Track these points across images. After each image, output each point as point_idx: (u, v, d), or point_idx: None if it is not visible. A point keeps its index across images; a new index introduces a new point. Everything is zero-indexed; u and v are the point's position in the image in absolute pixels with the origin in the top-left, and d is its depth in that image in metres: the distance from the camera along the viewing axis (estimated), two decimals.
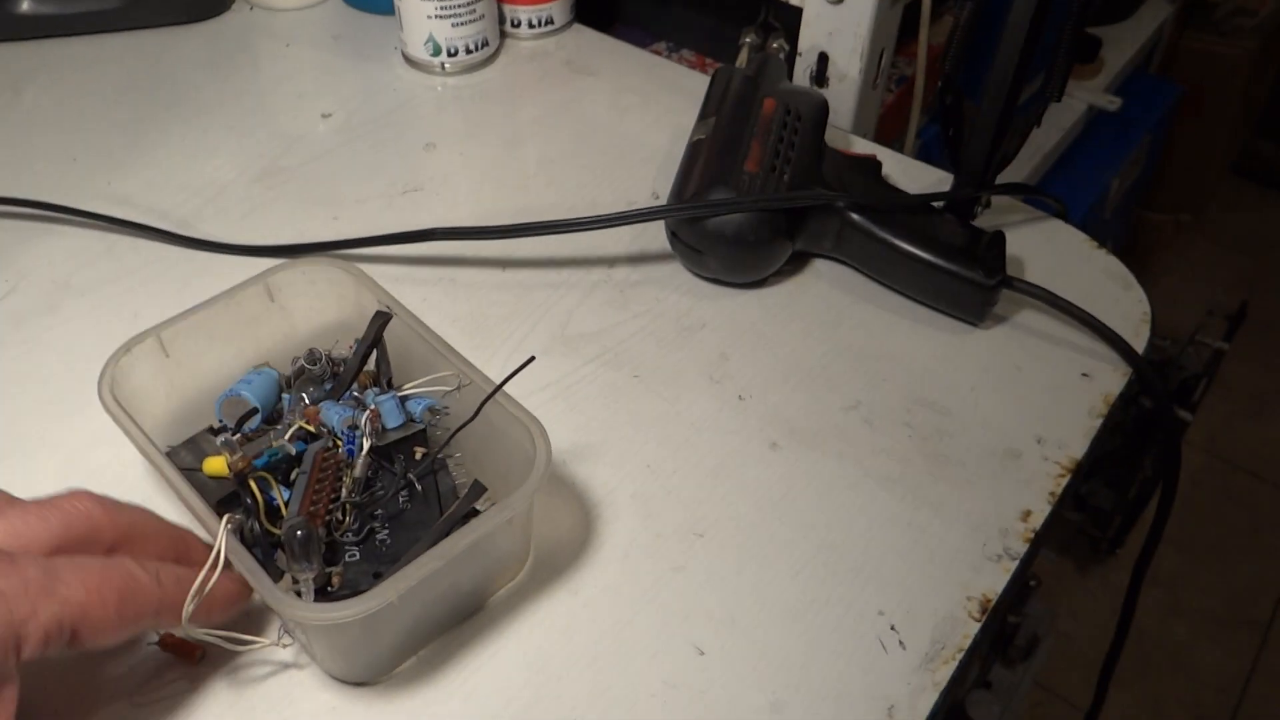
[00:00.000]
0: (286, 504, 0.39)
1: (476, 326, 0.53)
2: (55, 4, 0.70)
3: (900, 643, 0.41)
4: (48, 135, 0.64)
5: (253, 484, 0.39)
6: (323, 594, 0.38)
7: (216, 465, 0.39)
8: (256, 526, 0.38)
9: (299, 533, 0.37)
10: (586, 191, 0.61)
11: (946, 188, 0.59)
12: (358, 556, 0.40)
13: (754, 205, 0.51)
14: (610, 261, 0.57)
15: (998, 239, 0.53)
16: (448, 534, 0.40)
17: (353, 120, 0.66)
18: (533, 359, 0.41)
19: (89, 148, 0.63)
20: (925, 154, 0.83)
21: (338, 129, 0.65)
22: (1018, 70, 0.50)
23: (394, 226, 0.57)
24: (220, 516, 0.36)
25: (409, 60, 0.70)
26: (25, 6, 0.69)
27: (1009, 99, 0.51)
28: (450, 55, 0.68)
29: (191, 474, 0.39)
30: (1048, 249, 0.57)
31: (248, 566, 0.34)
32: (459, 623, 0.40)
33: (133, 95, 0.67)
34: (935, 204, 0.55)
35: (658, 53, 0.83)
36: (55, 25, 0.70)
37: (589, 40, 0.74)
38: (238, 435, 0.42)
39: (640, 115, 0.67)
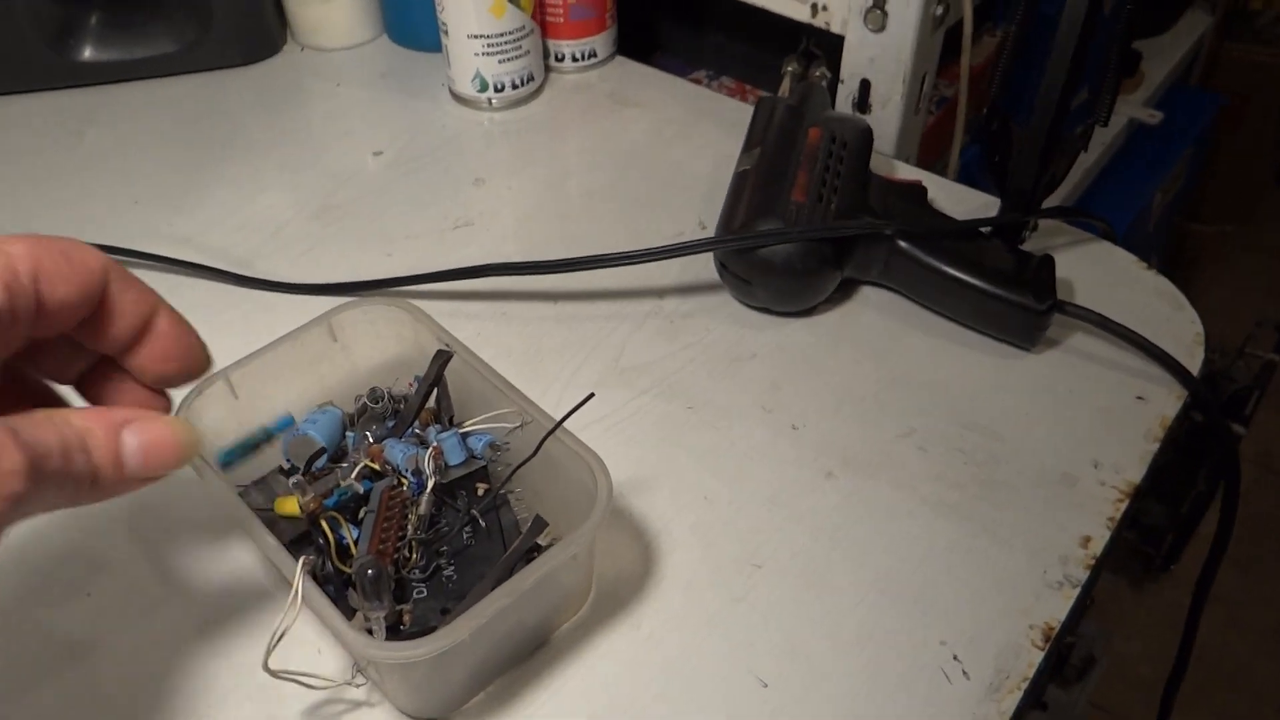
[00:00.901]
0: (356, 543, 0.40)
1: (530, 360, 0.54)
2: (116, 50, 0.72)
3: (964, 672, 0.41)
4: (110, 178, 0.66)
5: (324, 524, 0.40)
6: (394, 631, 0.38)
7: (289, 506, 0.40)
8: (329, 566, 0.39)
9: (370, 571, 0.38)
10: (633, 222, 0.62)
11: (991, 211, 0.59)
12: (425, 593, 0.41)
13: (802, 236, 0.52)
14: (660, 293, 0.57)
15: (1047, 263, 0.53)
16: (512, 569, 0.41)
17: (403, 157, 0.67)
18: (592, 396, 0.41)
19: (149, 190, 0.65)
20: (966, 175, 0.84)
21: (388, 165, 0.67)
22: (1064, 93, 0.50)
23: (446, 261, 0.58)
24: (294, 557, 0.37)
25: (456, 97, 0.72)
26: (88, 54, 0.71)
27: (1055, 122, 0.51)
28: (497, 91, 0.70)
29: (264, 514, 0.40)
30: (1096, 271, 0.57)
31: (322, 607, 0.35)
32: (525, 658, 0.41)
33: (191, 137, 0.69)
34: (983, 229, 0.55)
35: (698, 81, 0.84)
36: (116, 71, 0.72)
37: (632, 72, 0.75)
38: (306, 475, 0.43)
39: (684, 145, 0.68)
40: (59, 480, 0.29)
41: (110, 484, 0.31)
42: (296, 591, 0.35)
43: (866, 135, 0.58)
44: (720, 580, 0.44)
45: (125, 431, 0.32)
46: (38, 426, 0.29)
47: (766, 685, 0.40)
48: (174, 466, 0.33)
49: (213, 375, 0.44)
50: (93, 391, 0.35)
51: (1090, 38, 0.49)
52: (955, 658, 0.41)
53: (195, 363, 0.35)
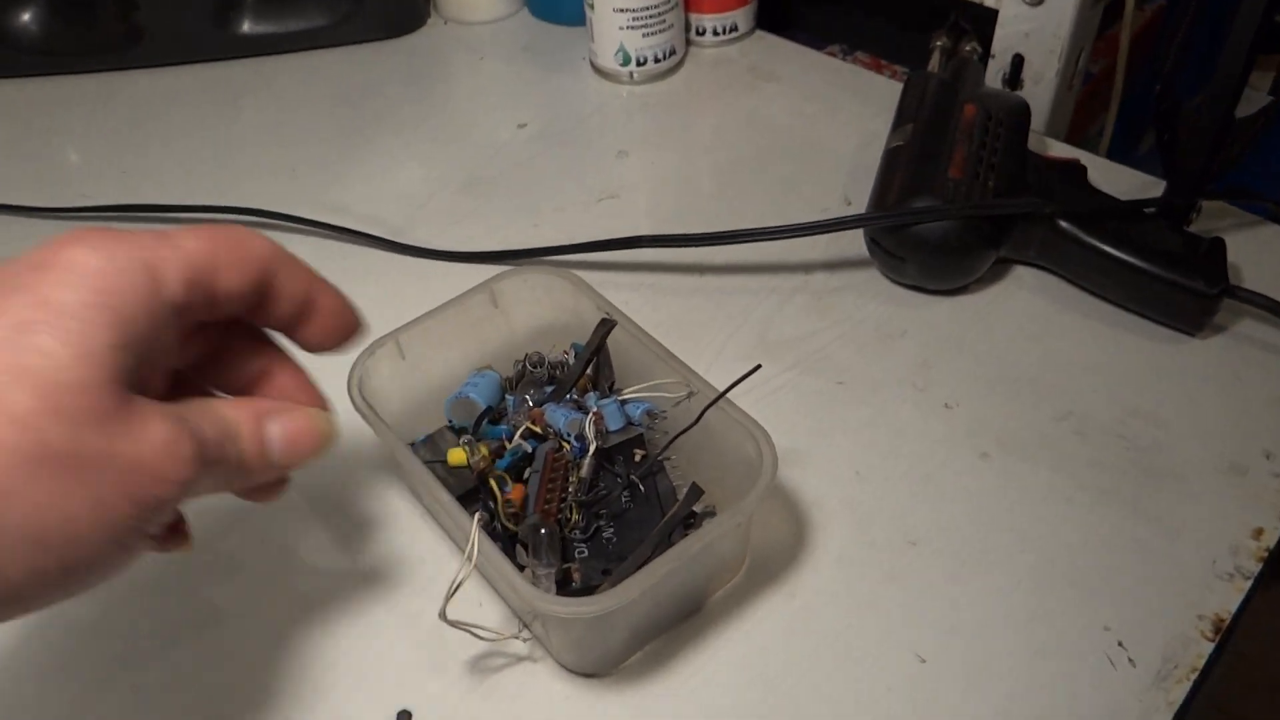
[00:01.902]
0: (522, 502, 0.41)
1: (678, 332, 0.54)
2: (272, 24, 0.74)
3: (1130, 660, 0.40)
4: (267, 148, 0.68)
5: (492, 482, 0.41)
6: (561, 588, 0.39)
7: (459, 456, 0.41)
8: (496, 528, 0.40)
9: (541, 530, 0.39)
10: (778, 198, 0.62)
11: (1150, 191, 0.58)
12: (586, 554, 0.41)
13: (962, 212, 0.51)
14: (807, 268, 0.57)
15: (1218, 245, 0.51)
16: (670, 534, 0.41)
17: (547, 130, 0.68)
18: (759, 367, 0.41)
19: (305, 159, 0.67)
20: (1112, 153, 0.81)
21: (533, 138, 0.68)
22: (1244, 70, 0.48)
23: (592, 233, 0.59)
24: (463, 509, 0.38)
25: (598, 70, 0.72)
26: (246, 27, 0.74)
27: (1232, 101, 0.49)
28: (639, 64, 0.70)
29: (433, 466, 0.42)
30: (1265, 254, 0.55)
31: (497, 561, 0.36)
32: (680, 621, 0.42)
33: (342, 109, 0.71)
34: (1147, 209, 0.53)
35: (832, 55, 0.83)
36: (270, 44, 0.75)
37: (772, 46, 0.75)
38: (475, 434, 0.44)
39: (827, 121, 0.67)
40: (214, 467, 0.31)
41: (256, 471, 0.33)
42: (473, 545, 0.36)
43: (1024, 111, 0.57)
44: (875, 555, 0.44)
45: (269, 422, 0.33)
46: (201, 417, 0.31)
47: (924, 661, 0.40)
48: (312, 456, 0.35)
49: (383, 337, 0.45)
50: (252, 387, 0.37)
51: (1275, 11, 0.47)
52: (1120, 644, 0.40)
53: (352, 332, 0.37)
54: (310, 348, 0.36)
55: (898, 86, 0.69)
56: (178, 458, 0.29)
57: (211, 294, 0.31)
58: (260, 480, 0.34)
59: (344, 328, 0.36)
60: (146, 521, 0.29)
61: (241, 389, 0.36)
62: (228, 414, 0.32)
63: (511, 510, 0.41)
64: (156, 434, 0.29)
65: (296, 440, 0.34)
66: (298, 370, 0.37)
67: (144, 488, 0.28)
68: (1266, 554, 0.43)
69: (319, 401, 0.37)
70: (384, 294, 0.57)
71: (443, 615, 0.36)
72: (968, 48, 0.64)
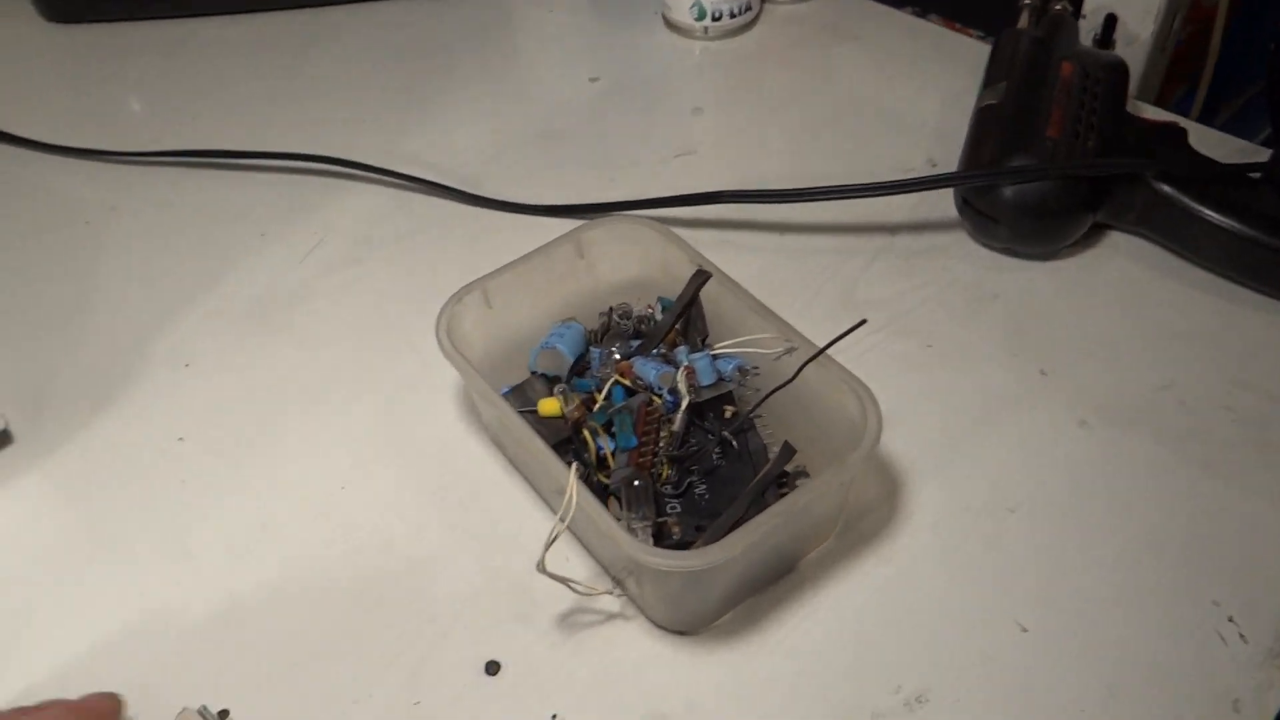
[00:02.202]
0: (613, 454, 0.40)
1: (761, 291, 0.51)
2: None
3: (1241, 635, 0.38)
4: (336, 97, 0.67)
5: (586, 434, 0.40)
6: (655, 541, 0.38)
7: (551, 406, 0.41)
8: (593, 478, 0.39)
9: (636, 483, 0.38)
10: (858, 158, 0.60)
11: (1250, 158, 0.56)
12: (678, 509, 0.40)
13: (1062, 172, 0.49)
14: (892, 229, 0.55)
15: None
16: (763, 492, 0.40)
17: (619, 84, 0.67)
18: (864, 322, 0.40)
19: (374, 109, 0.66)
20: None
21: (605, 93, 0.66)
22: None
23: (669, 189, 0.58)
24: (559, 458, 0.37)
25: (670, 24, 0.71)
26: None
27: None
28: (714, 20, 0.68)
29: (524, 415, 0.41)
30: None
31: (595, 513, 0.35)
32: (773, 581, 0.41)
33: (411, 59, 0.70)
34: (1253, 174, 0.51)
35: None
36: None
37: (848, 4, 0.73)
38: (567, 382, 0.43)
39: (907, 81, 0.65)
40: None
41: None
42: (570, 495, 0.35)
43: (1122, 71, 0.55)
44: (971, 522, 0.43)
45: None
46: None
47: (1026, 630, 0.39)
48: None
49: (471, 283, 0.44)
50: None
51: None
52: (1231, 620, 0.39)
53: None
54: None
55: (980, 46, 0.67)
56: None
57: None
58: None
59: None
60: None
61: None
62: None
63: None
64: None
65: None
66: None
67: None
68: None
69: None
70: (458, 245, 0.57)
71: (541, 567, 0.35)
72: (1058, 6, 0.62)
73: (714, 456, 0.42)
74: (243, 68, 0.70)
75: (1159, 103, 0.72)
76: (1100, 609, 0.40)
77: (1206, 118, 0.80)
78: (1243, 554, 0.41)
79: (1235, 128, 0.86)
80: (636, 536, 0.38)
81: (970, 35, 0.77)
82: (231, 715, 0.38)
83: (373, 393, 0.49)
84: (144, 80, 0.70)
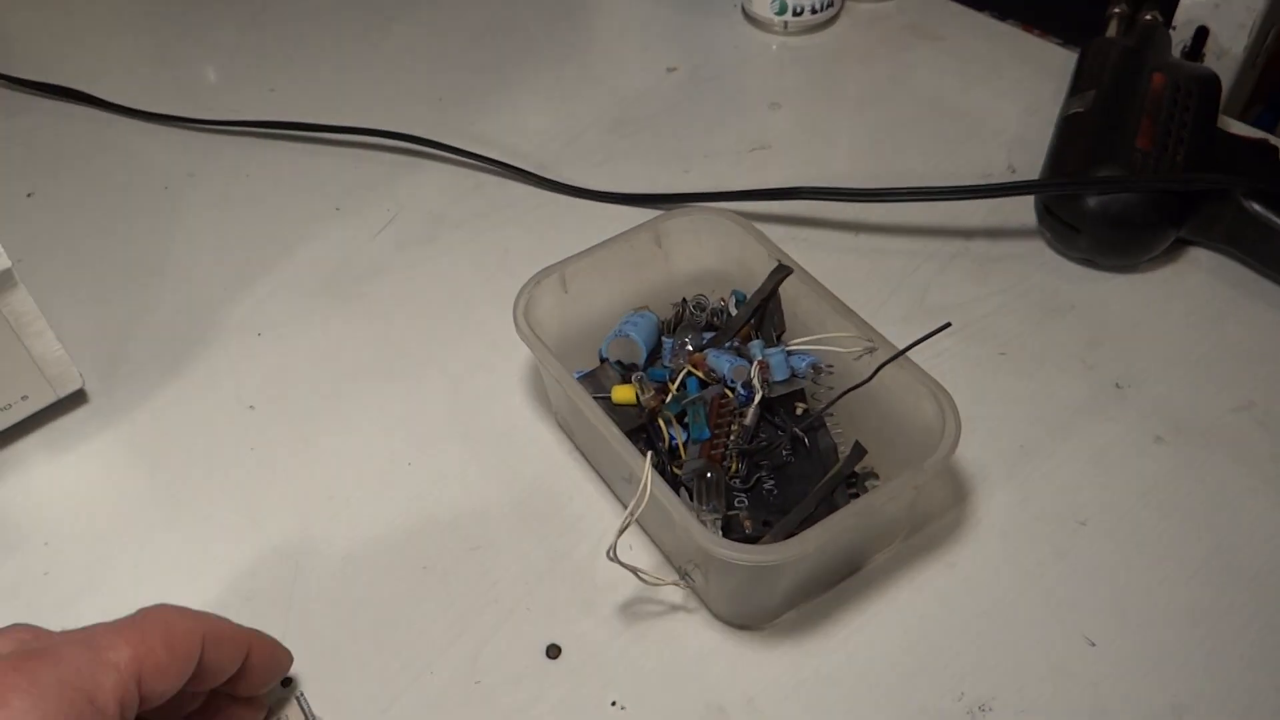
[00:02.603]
0: (685, 445, 0.40)
1: (833, 289, 0.52)
2: None
3: None
4: (415, 73, 0.68)
5: (661, 423, 0.40)
6: (725, 534, 0.38)
7: (625, 394, 0.41)
8: (667, 468, 0.39)
9: (709, 475, 0.38)
10: (936, 160, 0.60)
11: None
12: (747, 504, 0.40)
13: (1151, 185, 0.48)
14: (967, 234, 0.55)
15: None
16: (832, 491, 0.40)
17: (697, 75, 0.67)
18: (948, 325, 0.40)
19: (451, 87, 0.66)
20: None
21: (683, 83, 0.66)
22: None
23: (743, 183, 0.58)
24: (634, 446, 0.37)
25: (750, 17, 0.70)
26: None
27: None
28: (795, 15, 0.68)
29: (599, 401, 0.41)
30: None
31: (669, 502, 0.35)
32: (838, 581, 0.40)
33: (488, 39, 0.70)
34: None
35: None
36: None
37: (931, 5, 0.72)
38: (643, 369, 0.43)
39: (989, 86, 0.65)
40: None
41: None
42: (646, 483, 0.35)
43: (1214, 85, 0.54)
44: (1041, 533, 0.42)
45: None
46: None
47: (1094, 645, 0.38)
48: None
49: (550, 267, 0.44)
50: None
51: None
52: None
53: (282, 674, 0.37)
54: (238, 694, 0.35)
55: (1065, 53, 0.66)
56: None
57: (145, 699, 0.30)
58: None
59: (273, 674, 0.36)
60: None
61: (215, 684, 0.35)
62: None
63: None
64: None
65: None
66: (269, 645, 0.36)
67: None
68: None
69: (284, 664, 0.36)
70: (529, 228, 0.57)
71: (611, 554, 0.35)
72: (1148, 16, 0.61)
73: (784, 453, 0.42)
74: (321, 39, 0.71)
75: (1242, 116, 0.71)
76: (1170, 628, 0.39)
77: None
78: None
79: None
80: (707, 528, 0.37)
81: (1050, 41, 0.76)
82: (295, 683, 0.38)
83: (441, 371, 0.49)
84: (224, 48, 0.71)
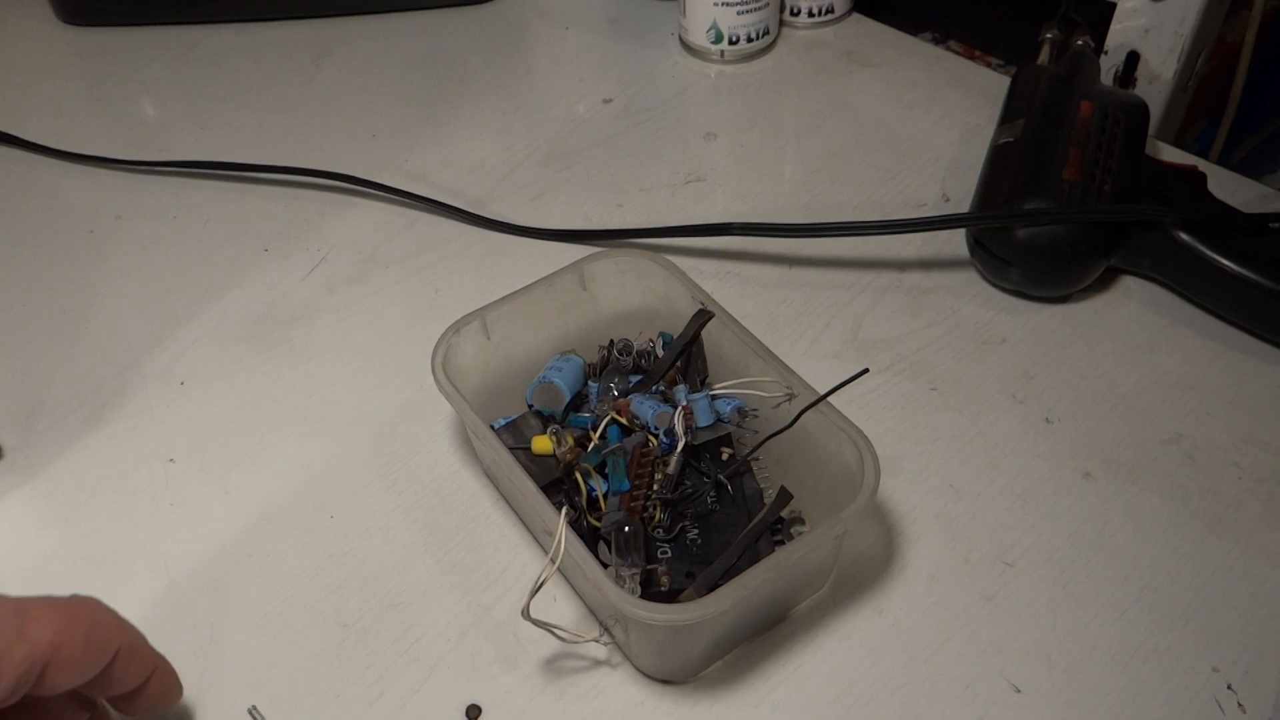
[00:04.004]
0: (605, 496, 0.40)
1: (766, 325, 0.52)
2: None
3: (1239, 705, 0.37)
4: (347, 110, 0.67)
5: (579, 476, 0.39)
6: (644, 588, 0.38)
7: (545, 445, 0.40)
8: (584, 523, 0.39)
9: (627, 529, 0.37)
10: (871, 189, 0.59)
11: (1269, 204, 0.55)
12: (669, 554, 0.40)
13: (1078, 217, 0.48)
14: (900, 265, 0.55)
15: None
16: (757, 539, 0.40)
17: (633, 106, 0.66)
18: (865, 371, 0.39)
19: (385, 124, 0.66)
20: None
21: (618, 114, 0.66)
22: None
23: (678, 216, 0.57)
24: (549, 502, 0.36)
25: (687, 46, 0.70)
26: None
27: None
28: (731, 43, 0.68)
29: (516, 454, 0.40)
30: None
31: (585, 560, 0.35)
32: (764, 631, 0.40)
33: (423, 73, 0.70)
34: (1273, 224, 0.50)
35: (922, 42, 0.80)
36: (353, 4, 0.73)
37: (868, 30, 0.72)
38: (561, 421, 0.42)
39: (925, 112, 0.65)
40: None
41: None
42: (560, 542, 0.35)
43: (1142, 113, 0.54)
44: (968, 575, 0.42)
45: None
46: None
47: (1020, 691, 0.38)
48: None
49: (470, 314, 0.44)
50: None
51: None
52: (1230, 687, 0.38)
53: (172, 703, 0.37)
54: (119, 709, 0.35)
55: (999, 78, 0.66)
56: None
57: (41, 685, 0.30)
58: None
59: (161, 704, 0.36)
60: None
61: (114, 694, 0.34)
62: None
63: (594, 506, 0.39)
64: None
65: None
66: (170, 676, 0.36)
67: None
68: None
69: (175, 691, 0.36)
70: (462, 266, 0.56)
71: (525, 613, 0.34)
72: (1080, 41, 0.61)
73: (709, 500, 0.41)
74: (254, 77, 0.70)
75: (1179, 139, 0.71)
76: (1097, 671, 0.39)
77: (1227, 153, 0.79)
78: (1245, 618, 0.40)
79: (1256, 159, 0.85)
80: (625, 584, 0.37)
81: (989, 63, 0.76)
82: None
83: (368, 419, 0.48)
84: (154, 87, 0.70)
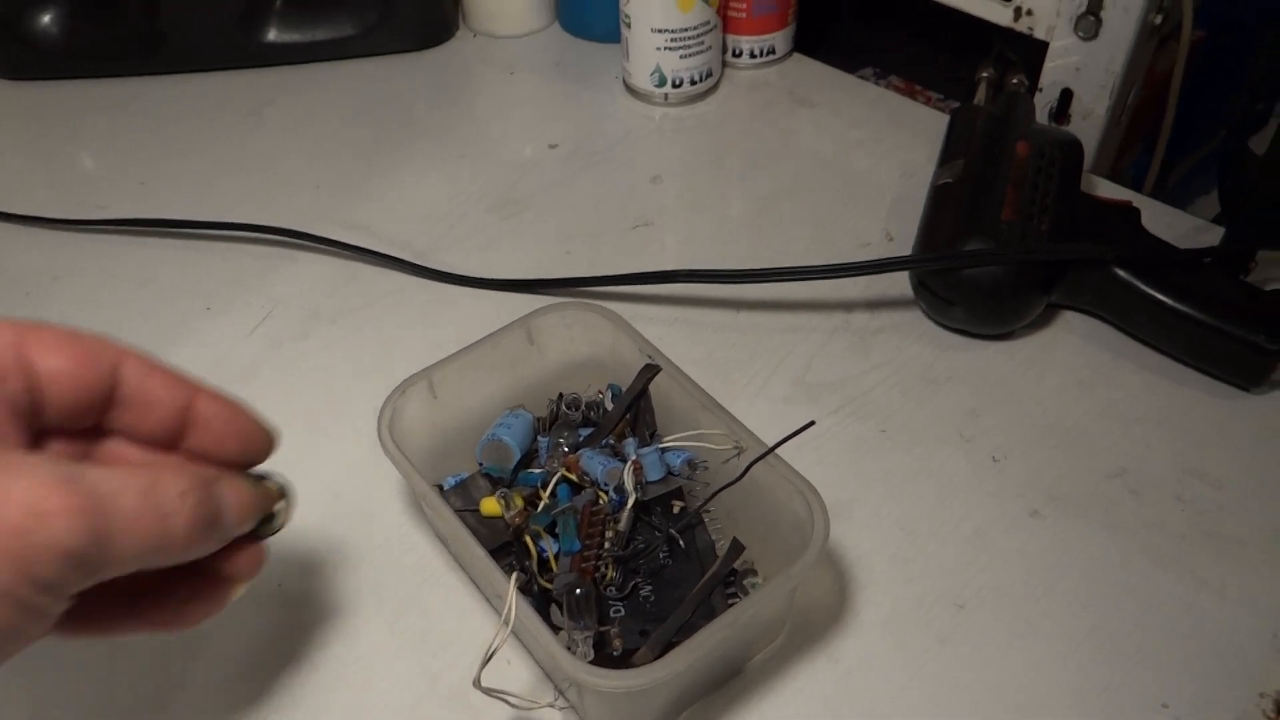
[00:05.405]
0: (556, 557, 0.39)
1: (715, 370, 0.52)
2: (299, 32, 0.72)
3: None
4: (290, 161, 0.67)
5: (528, 540, 0.39)
6: (597, 649, 0.38)
7: (494, 506, 0.40)
8: (535, 586, 0.38)
9: (578, 591, 0.37)
10: (817, 229, 0.60)
11: (1201, 236, 0.56)
12: (623, 613, 0.39)
13: (1018, 258, 0.49)
14: (848, 306, 0.55)
15: (1277, 298, 0.49)
16: (710, 594, 0.40)
17: (579, 151, 0.67)
18: (812, 424, 0.40)
19: (330, 175, 0.65)
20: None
21: (565, 159, 0.66)
22: None
23: (625, 261, 0.57)
24: (499, 568, 0.36)
25: (631, 90, 0.70)
26: (272, 35, 0.72)
27: None
28: (675, 86, 0.68)
29: (464, 517, 0.40)
30: None
31: (536, 628, 0.35)
32: (719, 686, 0.40)
33: (368, 122, 0.69)
34: (1206, 259, 0.51)
35: (864, 79, 0.81)
36: (296, 53, 0.73)
37: (810, 70, 0.73)
38: (511, 484, 0.42)
39: (868, 151, 0.65)
40: (128, 530, 0.27)
41: (181, 540, 0.29)
42: (510, 609, 0.34)
43: (1077, 151, 0.55)
44: (922, 618, 0.42)
45: (214, 486, 0.30)
46: (109, 476, 0.27)
47: None
48: (247, 524, 0.32)
49: (415, 375, 0.43)
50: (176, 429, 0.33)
51: None
52: None
53: (254, 444, 0.33)
54: (195, 451, 0.32)
55: (939, 116, 0.67)
56: (48, 516, 0.24)
57: (30, 372, 0.28)
58: (195, 553, 0.30)
59: (239, 436, 0.33)
60: (29, 598, 0.25)
61: (164, 432, 0.32)
62: (160, 477, 0.28)
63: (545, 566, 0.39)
64: (21, 490, 0.24)
65: (232, 506, 0.31)
66: (220, 399, 0.33)
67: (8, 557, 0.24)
68: None
69: (255, 429, 0.33)
70: (409, 320, 0.56)
71: (477, 683, 0.34)
72: (1015, 80, 0.62)
73: (661, 555, 0.41)
74: (195, 130, 0.69)
75: (1115, 165, 0.73)
76: (1050, 710, 0.39)
77: (1163, 178, 0.81)
78: (1192, 652, 0.40)
79: (1189, 181, 0.87)
80: (577, 649, 0.37)
81: (930, 98, 0.78)
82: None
83: (316, 479, 0.48)
84: (94, 142, 0.69)
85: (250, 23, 0.72)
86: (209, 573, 0.32)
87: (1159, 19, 0.59)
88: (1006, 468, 0.47)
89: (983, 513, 0.46)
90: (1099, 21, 0.59)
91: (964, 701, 0.39)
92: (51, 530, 0.25)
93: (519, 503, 0.40)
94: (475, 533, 0.40)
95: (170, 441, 0.32)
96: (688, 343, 0.54)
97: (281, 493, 0.34)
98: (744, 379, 0.52)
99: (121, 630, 0.31)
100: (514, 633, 0.41)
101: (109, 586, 0.27)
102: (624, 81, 0.71)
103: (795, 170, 0.64)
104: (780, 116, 0.69)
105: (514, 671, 0.40)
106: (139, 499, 0.27)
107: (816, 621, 0.42)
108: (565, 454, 0.43)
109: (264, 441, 0.34)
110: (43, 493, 0.25)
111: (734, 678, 0.40)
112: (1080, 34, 0.60)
